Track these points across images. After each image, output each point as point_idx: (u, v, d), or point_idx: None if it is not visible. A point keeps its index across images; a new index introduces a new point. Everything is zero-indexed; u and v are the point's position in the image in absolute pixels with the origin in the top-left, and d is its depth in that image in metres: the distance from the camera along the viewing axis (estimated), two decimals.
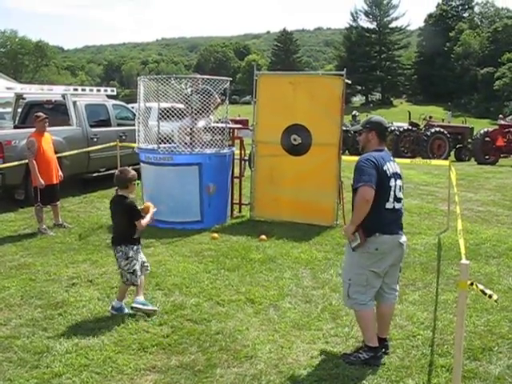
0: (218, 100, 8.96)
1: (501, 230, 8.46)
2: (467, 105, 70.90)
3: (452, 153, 22.59)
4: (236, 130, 9.89)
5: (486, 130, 20.88)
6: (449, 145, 21.93)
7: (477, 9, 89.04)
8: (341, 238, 7.50)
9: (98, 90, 12.99)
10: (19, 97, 12.31)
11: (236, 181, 9.68)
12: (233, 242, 7.71)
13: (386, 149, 4.40)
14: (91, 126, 11.65)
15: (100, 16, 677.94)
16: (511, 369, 4.08)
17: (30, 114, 11.66)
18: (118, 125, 12.61)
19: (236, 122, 16.61)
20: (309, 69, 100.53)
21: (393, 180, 4.18)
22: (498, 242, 7.70)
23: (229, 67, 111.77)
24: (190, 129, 8.78)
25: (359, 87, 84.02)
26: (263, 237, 7.87)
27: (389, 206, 4.17)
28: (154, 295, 5.60)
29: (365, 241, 4.11)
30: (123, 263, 5.16)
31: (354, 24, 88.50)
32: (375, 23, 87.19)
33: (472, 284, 2.98)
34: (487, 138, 20.12)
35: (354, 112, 27.07)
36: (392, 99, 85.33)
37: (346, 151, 19.87)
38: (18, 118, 12.20)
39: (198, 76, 9.23)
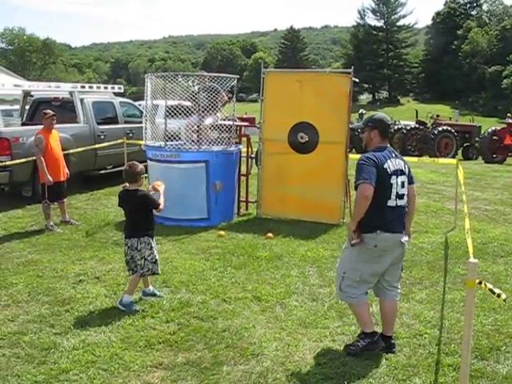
0: (226, 98, 8.96)
1: (508, 229, 8.42)
2: (475, 103, 70.57)
3: (459, 151, 22.51)
4: (243, 128, 9.87)
5: (493, 128, 20.77)
6: (456, 143, 21.84)
7: (485, 7, 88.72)
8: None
9: (106, 88, 13.00)
10: (27, 94, 12.34)
11: (243, 178, 9.68)
12: (239, 240, 7.71)
13: (389, 146, 4.41)
14: (98, 124, 11.68)
15: (107, 14, 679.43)
16: None
17: (37, 111, 11.69)
18: (125, 122, 12.63)
19: (243, 119, 16.59)
20: (316, 67, 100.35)
21: (394, 177, 4.19)
22: (505, 241, 7.66)
23: (236, 65, 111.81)
24: (197, 126, 8.79)
25: (366, 85, 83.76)
26: (270, 235, 7.87)
27: (391, 203, 4.20)
28: (160, 292, 5.61)
29: (361, 240, 4.17)
30: (148, 253, 5.27)
31: (361, 22, 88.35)
32: (382, 21, 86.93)
33: (480, 283, 2.97)
34: (495, 137, 20.01)
35: (360, 110, 27.00)
36: (399, 97, 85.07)
37: (353, 149, 19.82)
38: (25, 115, 12.24)
39: (206, 73, 9.23)
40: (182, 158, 8.51)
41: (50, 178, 8.10)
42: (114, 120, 12.35)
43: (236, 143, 9.21)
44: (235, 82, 8.93)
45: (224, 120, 9.16)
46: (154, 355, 4.28)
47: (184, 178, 8.43)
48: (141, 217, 5.35)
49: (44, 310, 5.18)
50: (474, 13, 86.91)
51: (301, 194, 8.71)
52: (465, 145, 22.89)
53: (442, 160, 11.77)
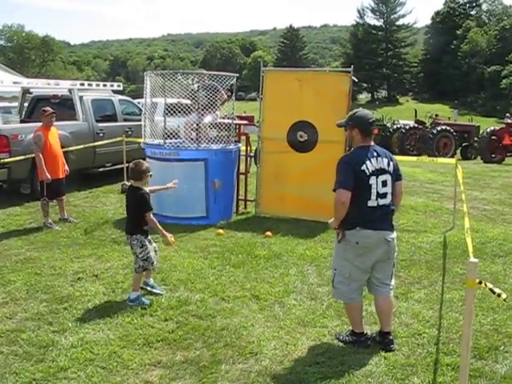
0: (225, 96, 8.94)
1: (507, 229, 8.42)
2: (473, 103, 70.59)
3: (458, 151, 22.52)
4: (242, 126, 9.86)
5: (492, 128, 20.79)
6: (455, 143, 21.88)
7: (484, 6, 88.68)
8: None
9: (105, 85, 13.00)
10: (26, 91, 12.32)
11: (242, 177, 9.67)
12: (238, 238, 7.71)
13: (372, 144, 4.37)
14: (97, 121, 11.66)
15: (106, 11, 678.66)
16: None
17: (36, 108, 11.67)
18: (124, 120, 12.61)
19: (242, 118, 16.60)
20: (315, 66, 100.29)
21: (373, 178, 4.19)
22: (504, 241, 7.67)
23: (235, 63, 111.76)
24: (197, 124, 8.77)
25: (365, 84, 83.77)
26: (268, 233, 7.87)
27: (371, 204, 4.21)
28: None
29: (344, 235, 4.24)
30: (138, 250, 5.35)
31: (360, 21, 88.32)
32: (382, 20, 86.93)
33: (480, 282, 2.97)
34: (494, 137, 20.03)
35: (360, 108, 26.97)
36: (398, 97, 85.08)
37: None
38: (24, 113, 12.22)
39: (205, 72, 9.21)
40: (181, 156, 8.49)
41: (49, 176, 8.09)
42: (112, 118, 12.34)
43: (235, 141, 9.20)
44: (235, 80, 8.92)
45: (223, 118, 9.15)
46: (153, 353, 4.28)
47: (183, 176, 8.38)
48: (136, 214, 5.40)
49: (42, 307, 5.17)
50: (473, 13, 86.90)
51: (300, 193, 8.70)
52: (463, 144, 22.92)
53: (441, 159, 11.78)
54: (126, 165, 11.18)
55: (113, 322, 4.83)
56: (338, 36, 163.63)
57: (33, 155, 8.49)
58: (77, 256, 6.83)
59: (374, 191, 4.19)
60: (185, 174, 8.40)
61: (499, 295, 3.03)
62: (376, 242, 4.24)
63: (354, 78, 8.69)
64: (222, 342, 4.48)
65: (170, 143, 8.69)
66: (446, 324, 4.87)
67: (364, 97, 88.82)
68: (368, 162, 4.20)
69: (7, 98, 16.71)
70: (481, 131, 22.21)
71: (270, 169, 9.02)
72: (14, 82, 12.89)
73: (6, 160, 9.26)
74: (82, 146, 10.54)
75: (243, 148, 9.74)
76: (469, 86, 72.86)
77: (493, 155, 19.94)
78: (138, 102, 13.76)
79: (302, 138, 8.72)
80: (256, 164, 9.62)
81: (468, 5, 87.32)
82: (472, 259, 2.94)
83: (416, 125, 22.92)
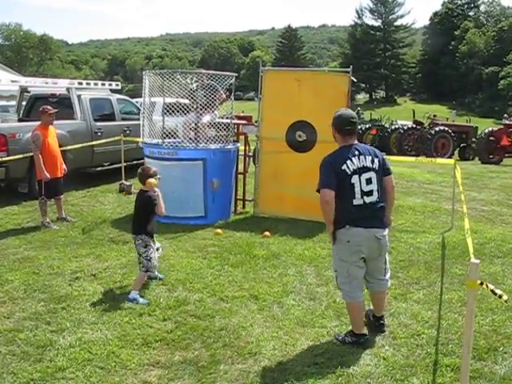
0: (224, 96, 8.93)
1: (505, 230, 8.42)
2: (471, 104, 70.65)
3: (456, 152, 22.54)
4: (241, 126, 9.85)
5: (490, 129, 20.77)
6: (453, 144, 21.89)
7: (482, 7, 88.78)
8: None
9: (103, 84, 12.97)
10: (24, 90, 12.29)
11: (240, 177, 9.65)
12: (236, 238, 7.69)
13: (355, 143, 4.43)
14: (95, 120, 11.63)
15: (105, 10, 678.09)
16: None
17: (34, 107, 11.66)
18: (123, 119, 12.58)
19: (240, 117, 16.55)
20: (313, 66, 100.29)
21: (355, 176, 4.25)
22: (502, 242, 7.66)
23: (233, 63, 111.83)
24: (195, 124, 8.76)
25: (363, 85, 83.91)
26: (267, 233, 7.85)
27: (357, 202, 4.27)
28: (157, 290, 5.60)
29: (335, 237, 4.36)
30: (142, 250, 5.53)
31: (358, 21, 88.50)
32: (380, 21, 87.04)
33: (482, 284, 2.95)
34: (492, 138, 20.01)
35: (358, 109, 27.01)
36: (396, 97, 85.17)
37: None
38: (22, 111, 12.19)
39: (204, 71, 9.19)
40: (180, 156, 8.47)
41: (48, 175, 8.06)
42: (111, 117, 12.30)
43: (234, 141, 9.18)
44: (233, 79, 8.90)
45: (222, 118, 9.13)
46: (151, 353, 4.26)
47: (181, 176, 8.39)
48: (141, 216, 5.65)
49: (40, 307, 5.15)
50: (471, 13, 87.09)
51: (298, 193, 8.68)
52: (461, 145, 22.91)
53: (439, 160, 11.77)
54: (125, 164, 11.18)
55: (111, 322, 4.81)
56: (336, 36, 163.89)
57: (31, 154, 8.46)
58: (75, 255, 6.81)
59: (357, 190, 4.26)
60: (183, 173, 8.39)
61: (500, 296, 3.01)
62: (366, 239, 4.30)
63: (353, 78, 8.68)
64: (221, 342, 4.47)
65: (169, 143, 8.67)
66: (445, 325, 4.86)
67: (362, 97, 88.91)
68: (349, 162, 4.27)
69: (5, 96, 16.67)
70: (479, 132, 22.20)
71: (269, 169, 9.01)
72: (12, 81, 12.87)
73: (3, 159, 9.23)
74: (80, 145, 10.51)
75: (242, 148, 9.73)
76: (467, 87, 72.97)
77: (491, 156, 19.92)
78: (137, 102, 13.74)
79: (301, 137, 8.70)
80: (255, 164, 9.60)
81: (466, 6, 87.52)
82: (473, 260, 2.93)
83: (414, 125, 22.90)
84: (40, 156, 8.03)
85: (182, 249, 7.09)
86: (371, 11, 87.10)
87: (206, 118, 8.87)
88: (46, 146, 8.12)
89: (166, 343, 4.44)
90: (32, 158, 8.43)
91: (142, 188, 5.75)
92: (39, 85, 12.39)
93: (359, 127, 23.75)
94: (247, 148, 9.85)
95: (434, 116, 24.18)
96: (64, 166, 8.59)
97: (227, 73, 8.89)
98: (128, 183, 10.89)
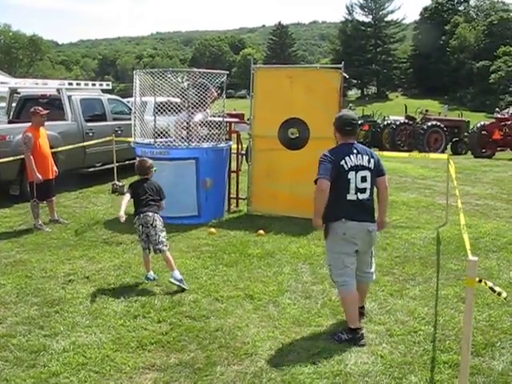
0: (215, 94, 8.87)
1: (499, 224, 8.41)
2: (463, 98, 70.84)
3: (448, 146, 22.57)
4: (233, 124, 9.79)
5: (482, 123, 20.83)
6: (445, 138, 21.93)
7: (472, 2, 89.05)
8: None
9: (94, 85, 12.87)
10: (13, 91, 12.19)
11: (233, 175, 9.60)
12: (230, 237, 7.65)
13: (354, 142, 4.62)
14: (87, 121, 11.54)
15: (94, 10, 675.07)
16: None
17: (24, 108, 11.55)
18: (114, 119, 12.50)
19: (232, 115, 16.50)
20: (304, 63, 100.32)
21: (352, 173, 4.44)
22: (497, 236, 7.65)
23: (224, 61, 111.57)
24: (187, 123, 8.70)
25: (355, 81, 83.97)
26: (261, 232, 7.81)
27: (351, 197, 4.46)
28: (151, 291, 5.54)
29: (327, 228, 4.50)
30: (161, 229, 5.84)
31: (349, 17, 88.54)
32: (371, 17, 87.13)
33: (480, 281, 2.92)
34: (484, 132, 20.06)
35: (350, 105, 27.00)
36: (388, 93, 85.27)
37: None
38: (12, 113, 12.08)
39: (195, 70, 9.13)
40: (172, 155, 8.41)
41: (40, 176, 7.98)
42: (102, 117, 12.22)
43: (226, 140, 9.13)
44: (225, 77, 8.85)
45: (214, 116, 9.07)
46: (146, 356, 4.21)
47: (174, 175, 8.32)
48: (155, 198, 5.93)
49: (33, 311, 5.08)
50: (461, 8, 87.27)
51: (292, 191, 8.64)
52: (454, 140, 22.94)
53: (432, 155, 11.74)
54: (117, 164, 11.10)
55: (105, 325, 4.75)
56: (327, 33, 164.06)
57: (22, 156, 8.37)
58: (68, 258, 6.74)
59: (352, 185, 4.44)
60: (176, 173, 8.32)
61: (499, 294, 2.98)
62: (360, 232, 4.47)
63: (345, 75, 8.64)
64: (217, 343, 4.42)
65: (161, 142, 8.60)
66: (441, 321, 4.84)
67: (354, 93, 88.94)
68: (347, 158, 4.46)
69: None
70: (471, 126, 22.24)
71: (262, 167, 8.96)
72: (2, 83, 12.74)
73: None
74: (71, 146, 10.42)
75: (234, 146, 9.68)
76: (458, 82, 73.16)
77: (483, 150, 19.97)
78: (128, 101, 13.65)
79: (294, 135, 8.66)
80: (247, 162, 9.55)
81: (456, 0, 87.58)
82: (471, 257, 2.89)
83: (406, 120, 22.93)
84: (32, 158, 7.94)
85: (176, 249, 7.02)
86: (361, 7, 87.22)
87: (198, 117, 8.81)
88: (37, 147, 8.03)
89: (162, 345, 4.39)
90: (23, 159, 8.35)
91: (140, 178, 5.99)
92: (29, 86, 12.30)
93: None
94: (240, 146, 9.80)
95: (426, 111, 24.20)
96: (55, 168, 8.50)
97: (218, 71, 8.83)
98: (120, 183, 10.83)
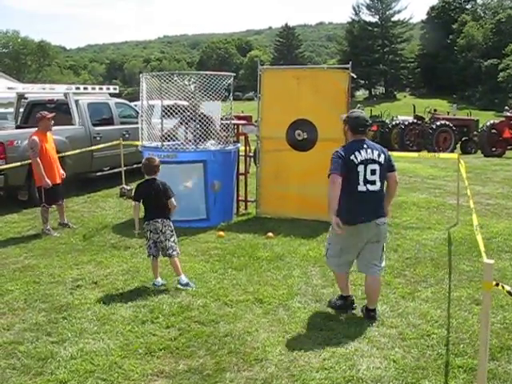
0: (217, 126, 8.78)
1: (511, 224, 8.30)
2: (471, 97, 70.37)
3: (458, 146, 22.39)
4: (240, 126, 9.73)
5: (492, 121, 20.65)
6: (454, 138, 21.77)
7: (480, 0, 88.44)
8: None
9: (101, 89, 12.86)
10: (21, 96, 12.20)
11: (241, 177, 9.54)
12: (239, 240, 7.58)
13: (365, 139, 4.91)
14: (94, 125, 11.54)
15: (102, 15, 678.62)
16: None
17: (32, 113, 11.55)
18: (121, 123, 12.49)
19: (240, 118, 16.44)
20: (311, 64, 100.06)
21: (361, 166, 4.73)
22: (509, 236, 7.55)
23: (231, 64, 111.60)
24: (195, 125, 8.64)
25: (362, 81, 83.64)
26: (270, 234, 7.74)
27: (361, 188, 4.75)
28: (159, 296, 5.48)
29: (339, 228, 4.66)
30: (170, 234, 5.81)
31: (356, 18, 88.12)
32: (377, 17, 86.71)
33: (497, 285, 2.82)
34: (494, 130, 19.89)
35: (358, 105, 26.88)
36: (395, 93, 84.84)
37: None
38: (20, 118, 12.09)
39: (202, 72, 9.08)
40: (180, 159, 8.36)
41: (48, 181, 7.95)
42: (109, 121, 12.22)
43: (234, 142, 9.07)
44: (232, 79, 8.79)
45: (221, 119, 9.01)
46: (155, 363, 4.15)
47: (182, 179, 8.28)
48: (162, 202, 5.77)
49: (41, 317, 5.04)
50: (468, 6, 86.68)
51: (301, 192, 8.57)
52: (463, 139, 22.78)
53: (442, 155, 11.65)
54: (124, 168, 11.07)
55: (113, 331, 4.70)
56: (333, 33, 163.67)
57: (30, 161, 8.34)
58: (76, 263, 6.70)
59: (361, 178, 4.73)
60: (184, 176, 8.28)
61: None
62: (367, 226, 4.76)
63: (353, 75, 8.56)
64: (226, 348, 4.35)
65: (168, 145, 8.56)
66: (455, 324, 4.75)
67: (362, 93, 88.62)
68: (357, 153, 4.75)
69: (3, 104, 16.58)
70: (480, 125, 22.06)
71: (270, 169, 8.90)
72: (9, 88, 12.74)
73: (2, 167, 9.13)
74: (79, 151, 10.41)
75: (242, 148, 9.62)
76: (466, 80, 72.66)
77: (493, 149, 19.79)
78: (135, 105, 13.63)
79: (301, 136, 8.59)
80: (255, 164, 9.49)
81: None
82: (487, 260, 2.79)
83: (415, 120, 22.80)
84: (39, 162, 7.91)
85: (185, 253, 6.96)
86: (368, 7, 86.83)
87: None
88: (43, 152, 7.99)
89: (170, 351, 4.32)
90: (31, 165, 8.32)
91: (147, 178, 5.89)
92: (37, 91, 12.30)
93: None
94: (248, 148, 9.74)
95: (435, 110, 24.06)
96: (62, 171, 8.45)
97: (225, 73, 8.78)
98: (128, 187, 10.79)
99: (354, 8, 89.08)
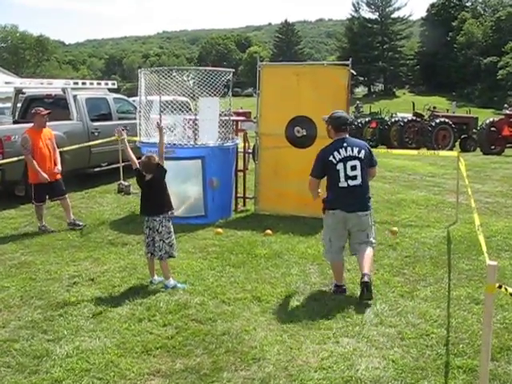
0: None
1: (511, 222, 8.25)
2: (470, 95, 70.40)
3: (457, 143, 22.34)
4: (239, 123, 9.68)
5: (491, 119, 20.59)
6: (454, 135, 21.70)
7: None
8: None
9: (99, 84, 12.79)
10: (19, 91, 12.12)
11: (240, 174, 9.49)
12: (237, 237, 7.54)
13: (346, 136, 5.38)
14: (92, 120, 11.48)
15: (101, 10, 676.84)
16: None
17: (29, 108, 11.46)
18: (120, 118, 12.42)
19: (238, 114, 16.41)
20: (310, 60, 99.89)
21: (341, 164, 5.24)
22: (509, 235, 7.50)
23: (231, 59, 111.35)
24: (193, 121, 8.59)
25: (362, 78, 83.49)
26: (268, 231, 7.69)
27: (342, 184, 5.28)
28: (157, 294, 5.43)
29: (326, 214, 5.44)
30: (166, 236, 5.67)
31: (355, 15, 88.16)
32: (377, 13, 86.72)
33: (500, 287, 2.77)
34: (493, 128, 19.82)
35: (357, 102, 26.84)
36: (395, 90, 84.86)
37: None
38: (17, 113, 12.02)
39: (201, 68, 9.02)
40: (178, 155, 8.30)
41: (45, 175, 7.86)
42: (107, 116, 12.16)
43: (233, 138, 9.01)
44: (231, 75, 8.73)
45: (220, 115, 8.95)
46: (151, 362, 4.10)
47: (180, 175, 8.22)
48: (161, 191, 5.78)
49: (37, 314, 4.99)
50: (468, 4, 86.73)
51: (299, 190, 8.47)
52: (462, 136, 22.71)
53: (442, 152, 11.62)
54: (122, 164, 11.01)
55: (110, 329, 4.65)
56: (333, 30, 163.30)
57: None
58: (72, 259, 6.65)
59: (342, 174, 5.25)
60: (182, 172, 8.22)
61: None
62: (350, 218, 5.30)
63: (353, 71, 8.51)
64: (224, 347, 4.31)
65: (166, 141, 8.48)
66: (454, 323, 4.70)
67: (361, 90, 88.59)
68: (336, 153, 5.27)
69: (1, 98, 16.51)
70: (479, 123, 22.01)
71: (269, 165, 8.85)
72: (7, 82, 12.68)
73: None
74: (76, 146, 10.35)
75: (241, 145, 9.56)
76: (465, 78, 72.66)
77: (492, 147, 19.72)
78: (134, 101, 13.56)
79: (301, 133, 8.54)
80: (254, 161, 9.44)
81: None
82: (490, 262, 2.73)
83: (414, 118, 22.75)
84: (32, 159, 7.82)
85: (182, 250, 6.91)
86: (368, 4, 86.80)
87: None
88: (35, 149, 7.87)
89: (167, 350, 4.28)
90: None
91: (146, 174, 5.79)
92: (34, 86, 12.23)
93: (359, 121, 23.65)
94: (246, 145, 9.69)
95: (434, 108, 23.99)
96: (58, 166, 8.31)
97: (224, 69, 8.72)
98: (126, 183, 10.74)
99: (353, 5, 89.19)
